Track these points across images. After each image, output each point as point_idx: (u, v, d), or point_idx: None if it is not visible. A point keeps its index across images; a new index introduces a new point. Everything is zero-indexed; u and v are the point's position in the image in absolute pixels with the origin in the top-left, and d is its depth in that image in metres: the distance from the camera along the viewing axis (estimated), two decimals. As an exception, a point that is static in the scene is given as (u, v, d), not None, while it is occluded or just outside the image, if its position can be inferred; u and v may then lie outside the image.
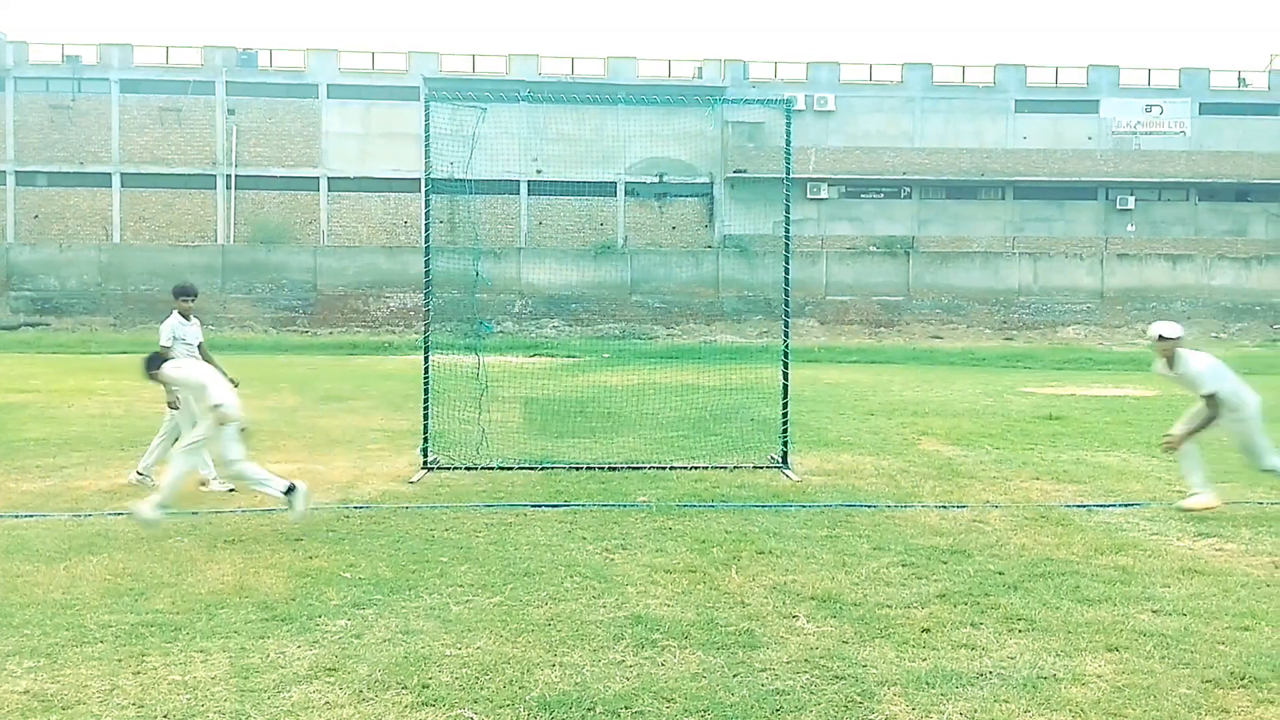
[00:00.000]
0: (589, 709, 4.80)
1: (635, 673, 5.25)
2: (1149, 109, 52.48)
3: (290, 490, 8.33)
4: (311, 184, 50.89)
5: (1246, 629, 5.95)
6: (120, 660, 5.39)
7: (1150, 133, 52.36)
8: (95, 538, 8.00)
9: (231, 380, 9.24)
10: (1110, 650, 5.59)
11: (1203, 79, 53.02)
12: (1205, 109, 52.66)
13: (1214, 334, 46.63)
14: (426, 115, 11.42)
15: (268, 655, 5.47)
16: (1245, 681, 5.15)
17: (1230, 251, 50.61)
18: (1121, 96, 52.57)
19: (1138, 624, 6.02)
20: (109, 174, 50.04)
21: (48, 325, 43.78)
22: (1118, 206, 51.57)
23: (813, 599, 6.50)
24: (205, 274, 45.88)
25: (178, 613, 6.16)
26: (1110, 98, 52.51)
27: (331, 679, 5.15)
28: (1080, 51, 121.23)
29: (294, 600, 6.42)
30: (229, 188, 50.23)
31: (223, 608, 6.26)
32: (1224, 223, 52.59)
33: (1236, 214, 52.70)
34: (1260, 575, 7.14)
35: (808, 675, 5.23)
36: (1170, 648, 5.62)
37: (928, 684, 5.11)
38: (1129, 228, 51.92)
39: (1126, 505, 9.66)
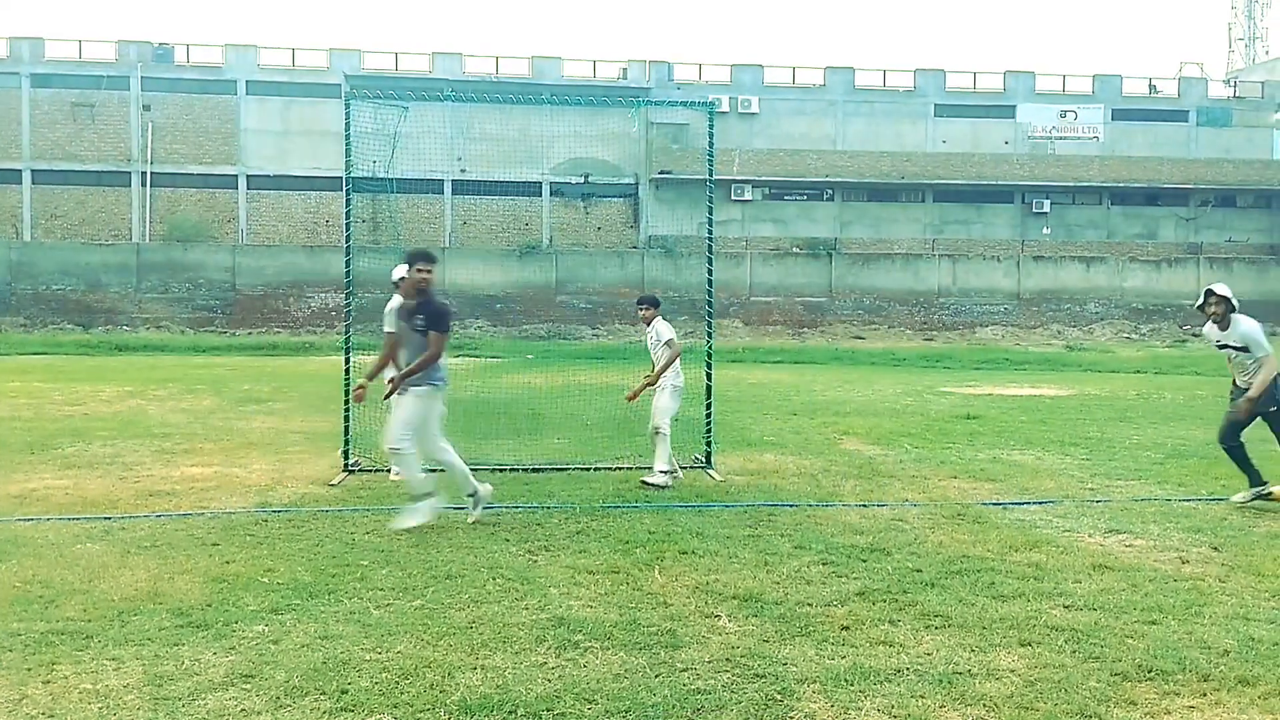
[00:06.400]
0: (510, 712, 4.78)
1: (557, 674, 5.25)
2: (1064, 115, 53.63)
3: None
4: (230, 182, 49.99)
5: (1154, 623, 6.11)
6: (29, 669, 5.25)
7: (1065, 138, 53.52)
8: (4, 544, 7.77)
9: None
10: (1023, 645, 5.71)
11: (1115, 86, 54.31)
12: (1118, 115, 53.95)
13: (1126, 335, 47.84)
14: (347, 113, 11.28)
15: (182, 663, 5.37)
16: (1152, 674, 5.28)
17: (1141, 254, 51.94)
18: (1037, 102, 53.64)
19: (1050, 619, 6.15)
20: (19, 170, 48.69)
21: (-46, 325, 42.49)
22: (1033, 210, 52.63)
23: (734, 598, 6.55)
24: (120, 273, 44.96)
25: (89, 620, 6.02)
26: (1026, 103, 53.55)
27: (248, 686, 5.07)
28: (997, 58, 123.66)
29: (210, 606, 6.31)
30: (144, 185, 49.13)
31: (136, 614, 6.13)
32: (1135, 226, 53.92)
33: (1147, 218, 54.07)
34: (1168, 570, 7.33)
35: (729, 674, 5.26)
36: (1081, 642, 5.75)
37: (846, 681, 5.17)
38: (1044, 231, 53.03)
39: (1041, 503, 9.87)
